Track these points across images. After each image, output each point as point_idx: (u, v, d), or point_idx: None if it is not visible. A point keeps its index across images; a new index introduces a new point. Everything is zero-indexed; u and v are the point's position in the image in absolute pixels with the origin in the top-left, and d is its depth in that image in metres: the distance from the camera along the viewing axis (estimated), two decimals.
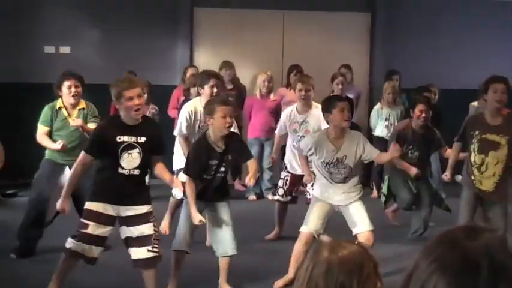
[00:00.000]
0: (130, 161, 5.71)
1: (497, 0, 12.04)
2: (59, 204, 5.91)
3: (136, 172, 5.75)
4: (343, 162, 6.62)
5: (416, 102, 7.91)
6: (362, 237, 6.50)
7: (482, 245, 1.41)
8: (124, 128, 5.70)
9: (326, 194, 6.70)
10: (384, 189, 8.16)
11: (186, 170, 6.20)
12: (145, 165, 5.83)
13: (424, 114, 7.72)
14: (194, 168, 6.17)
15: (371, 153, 6.61)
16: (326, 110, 6.61)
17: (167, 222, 8.06)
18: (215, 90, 7.23)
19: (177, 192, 7.21)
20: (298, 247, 6.66)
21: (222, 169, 6.24)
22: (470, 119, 6.89)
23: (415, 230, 7.88)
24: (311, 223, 6.65)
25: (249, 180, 6.30)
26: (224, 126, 6.07)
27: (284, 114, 8.13)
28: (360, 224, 6.54)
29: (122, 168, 5.70)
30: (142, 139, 5.73)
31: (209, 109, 6.15)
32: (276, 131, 8.33)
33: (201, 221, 6.07)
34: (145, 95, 9.33)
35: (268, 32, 11.56)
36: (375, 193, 10.43)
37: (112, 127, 5.74)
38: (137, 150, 5.72)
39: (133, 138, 5.70)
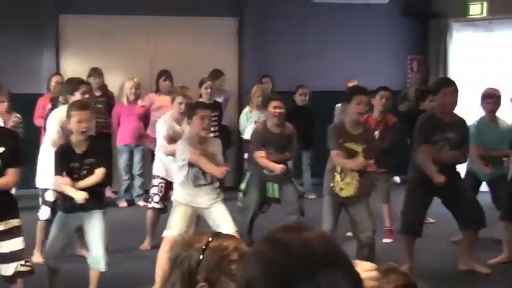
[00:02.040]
0: None
1: (362, 4, 12.22)
2: None
3: None
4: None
5: (269, 100, 7.68)
6: None
7: (302, 239, 1.48)
8: None
9: (189, 198, 6.66)
10: (243, 185, 8.00)
11: (55, 171, 6.17)
12: None
13: (278, 110, 7.49)
14: (60, 170, 6.13)
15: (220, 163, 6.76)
16: (188, 116, 6.70)
17: (38, 253, 7.41)
18: (86, 96, 7.01)
19: (42, 214, 7.03)
20: (162, 254, 6.52)
21: (87, 171, 6.15)
22: (334, 128, 6.88)
23: None
24: (174, 228, 6.59)
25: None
26: (79, 131, 6.05)
27: (166, 125, 7.81)
28: (224, 225, 6.54)
29: None
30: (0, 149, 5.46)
31: (67, 114, 6.18)
32: (165, 143, 7.95)
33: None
34: (6, 104, 9.01)
35: (136, 38, 11.37)
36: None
37: None
38: None
39: None
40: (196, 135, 6.59)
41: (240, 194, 8.04)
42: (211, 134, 7.91)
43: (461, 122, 7.19)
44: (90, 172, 6.17)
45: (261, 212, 7.88)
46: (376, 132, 8.08)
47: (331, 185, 6.82)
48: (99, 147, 6.39)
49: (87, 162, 6.15)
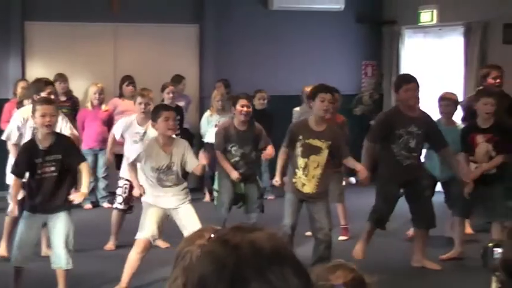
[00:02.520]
0: None
1: (318, 11, 12.40)
2: None
3: None
4: (172, 169, 6.71)
5: (237, 98, 7.82)
6: None
7: (251, 238, 1.50)
8: None
9: (157, 198, 6.73)
10: (216, 185, 8.17)
11: (13, 170, 6.27)
12: None
13: (246, 109, 7.66)
14: (21, 167, 6.21)
15: (192, 164, 6.80)
16: (153, 119, 6.76)
17: (4, 245, 7.59)
18: (52, 97, 7.11)
19: (11, 210, 7.03)
20: (133, 254, 6.64)
21: (52, 168, 6.20)
22: (295, 124, 7.08)
23: None
24: (147, 229, 6.65)
25: (77, 196, 6.29)
26: (43, 124, 6.13)
27: (123, 122, 8.02)
28: (191, 226, 6.56)
29: None
30: None
31: (32, 110, 6.33)
32: (114, 136, 8.15)
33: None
34: None
35: (100, 44, 11.47)
36: (207, 197, 10.53)
37: None
38: None
39: None
40: (163, 136, 6.68)
41: (215, 193, 8.18)
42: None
43: (425, 116, 7.40)
44: (58, 169, 6.20)
45: (238, 207, 7.93)
46: None
47: (293, 180, 6.96)
48: (66, 143, 6.39)
49: (51, 159, 6.18)
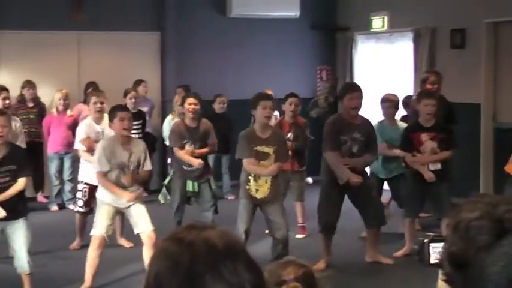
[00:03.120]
0: None
1: (275, 18, 12.57)
2: None
3: None
4: (129, 167, 6.85)
5: (185, 98, 8.04)
6: (145, 236, 6.76)
7: (203, 236, 1.53)
8: None
9: (111, 197, 6.84)
10: (166, 181, 8.36)
11: None
12: None
13: (193, 106, 7.83)
14: None
15: (147, 166, 6.97)
16: (110, 119, 6.95)
17: None
18: (7, 102, 7.14)
19: None
20: (90, 252, 6.79)
21: (7, 179, 6.22)
22: (245, 135, 7.12)
23: None
24: (100, 226, 6.79)
25: None
26: None
27: (84, 125, 8.14)
28: (143, 224, 6.77)
29: None
30: None
31: None
32: (83, 147, 8.24)
33: None
34: None
35: (64, 52, 11.55)
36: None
37: None
38: None
39: None
40: (119, 136, 6.81)
41: (164, 189, 8.34)
42: None
43: (366, 122, 7.53)
44: (13, 179, 6.22)
45: (189, 204, 8.10)
46: (290, 133, 8.45)
47: (247, 187, 7.07)
48: (20, 154, 6.41)
49: (5, 170, 6.17)
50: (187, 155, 7.85)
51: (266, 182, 7.05)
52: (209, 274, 1.48)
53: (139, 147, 6.94)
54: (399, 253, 7.89)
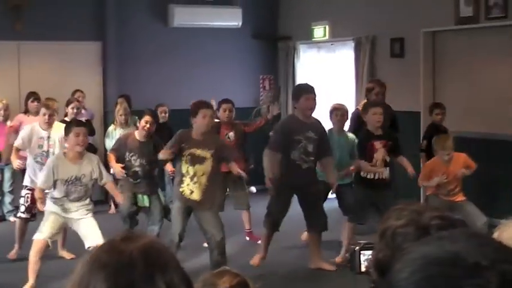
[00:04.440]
0: None
1: (217, 28, 12.58)
2: None
3: None
4: (81, 180, 6.81)
5: (144, 114, 8.01)
6: None
7: (137, 245, 1.52)
8: None
9: (60, 208, 6.86)
10: None
11: None
12: None
13: (148, 126, 7.82)
14: None
15: (106, 177, 7.01)
16: (65, 133, 6.92)
17: None
18: None
19: None
20: (31, 255, 6.77)
21: None
22: (181, 134, 7.14)
23: None
24: (46, 231, 6.80)
25: None
26: None
27: (28, 129, 8.01)
28: (92, 237, 6.70)
29: None
30: None
31: None
32: (16, 144, 8.13)
33: None
34: None
35: (4, 62, 11.37)
36: (112, 209, 10.57)
37: None
38: None
39: None
40: (72, 151, 6.82)
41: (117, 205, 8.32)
42: None
43: (318, 122, 7.72)
44: None
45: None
46: (231, 133, 8.59)
47: (181, 189, 7.04)
48: None
49: None
50: (113, 162, 7.73)
51: (200, 185, 7.02)
52: (143, 285, 1.46)
53: (91, 161, 6.97)
54: (339, 259, 7.92)
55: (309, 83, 8.27)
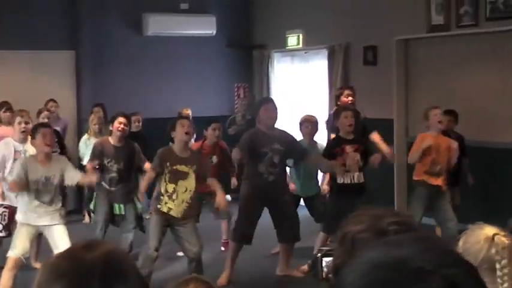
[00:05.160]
0: None
1: (192, 36, 12.56)
2: None
3: None
4: (51, 181, 6.80)
5: (116, 116, 7.97)
6: None
7: (97, 254, 1.51)
8: None
9: (30, 215, 6.81)
10: (92, 205, 8.24)
11: None
12: None
13: (122, 126, 7.81)
14: None
15: (74, 177, 6.95)
16: (32, 136, 6.94)
17: None
18: None
19: None
20: (5, 272, 6.69)
21: None
22: (163, 151, 7.11)
23: None
24: (18, 248, 6.72)
25: None
26: None
27: (3, 145, 7.95)
28: (64, 246, 6.52)
29: None
30: None
31: None
32: None
33: None
34: None
35: None
36: (86, 218, 10.50)
37: None
38: None
39: None
40: (41, 153, 6.79)
41: (91, 214, 8.26)
42: None
43: (284, 133, 7.71)
44: None
45: (114, 225, 7.98)
46: (215, 157, 8.52)
47: (158, 206, 7.04)
48: None
49: None
50: (90, 169, 7.68)
51: (183, 202, 7.02)
52: None
53: (61, 161, 7.04)
54: (304, 267, 7.92)
55: (269, 96, 8.32)
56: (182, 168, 7.00)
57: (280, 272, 7.80)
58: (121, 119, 7.86)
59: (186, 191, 7.03)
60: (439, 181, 7.81)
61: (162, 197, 7.01)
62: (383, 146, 8.27)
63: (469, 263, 1.15)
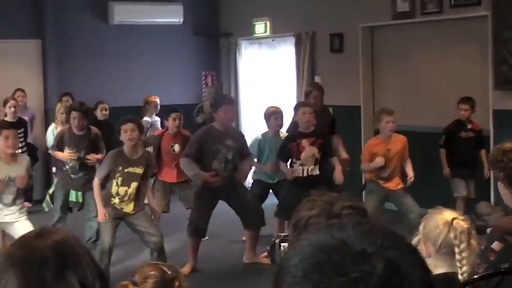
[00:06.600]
0: None
1: (158, 24, 12.49)
2: None
3: None
4: (15, 181, 6.69)
5: (70, 110, 8.00)
6: None
7: (49, 242, 1.53)
8: None
9: None
10: (51, 190, 8.22)
11: None
12: None
13: (77, 120, 7.81)
14: None
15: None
16: None
17: None
18: None
19: None
20: None
21: None
22: (113, 157, 7.05)
23: (89, 238, 7.97)
24: None
25: None
26: None
27: None
28: None
29: None
30: None
31: None
32: None
33: None
34: None
35: None
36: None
37: None
38: None
39: None
40: (3, 154, 6.73)
41: (47, 197, 8.22)
42: (19, 150, 8.06)
43: (236, 131, 7.93)
44: None
45: (71, 212, 8.03)
46: (177, 145, 8.44)
47: (111, 203, 7.01)
48: None
49: None
50: (60, 154, 7.78)
51: (134, 200, 7.01)
52: (56, 280, 1.48)
53: (24, 162, 6.96)
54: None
55: (229, 95, 8.34)
56: (135, 170, 6.96)
57: (246, 259, 7.82)
58: (74, 114, 7.85)
59: (137, 191, 7.02)
60: (389, 184, 7.82)
61: (112, 199, 6.99)
62: (342, 152, 8.32)
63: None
